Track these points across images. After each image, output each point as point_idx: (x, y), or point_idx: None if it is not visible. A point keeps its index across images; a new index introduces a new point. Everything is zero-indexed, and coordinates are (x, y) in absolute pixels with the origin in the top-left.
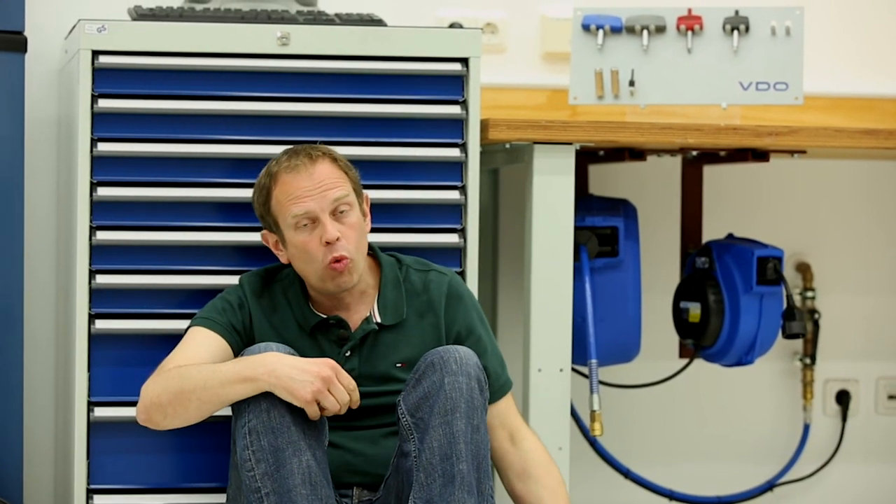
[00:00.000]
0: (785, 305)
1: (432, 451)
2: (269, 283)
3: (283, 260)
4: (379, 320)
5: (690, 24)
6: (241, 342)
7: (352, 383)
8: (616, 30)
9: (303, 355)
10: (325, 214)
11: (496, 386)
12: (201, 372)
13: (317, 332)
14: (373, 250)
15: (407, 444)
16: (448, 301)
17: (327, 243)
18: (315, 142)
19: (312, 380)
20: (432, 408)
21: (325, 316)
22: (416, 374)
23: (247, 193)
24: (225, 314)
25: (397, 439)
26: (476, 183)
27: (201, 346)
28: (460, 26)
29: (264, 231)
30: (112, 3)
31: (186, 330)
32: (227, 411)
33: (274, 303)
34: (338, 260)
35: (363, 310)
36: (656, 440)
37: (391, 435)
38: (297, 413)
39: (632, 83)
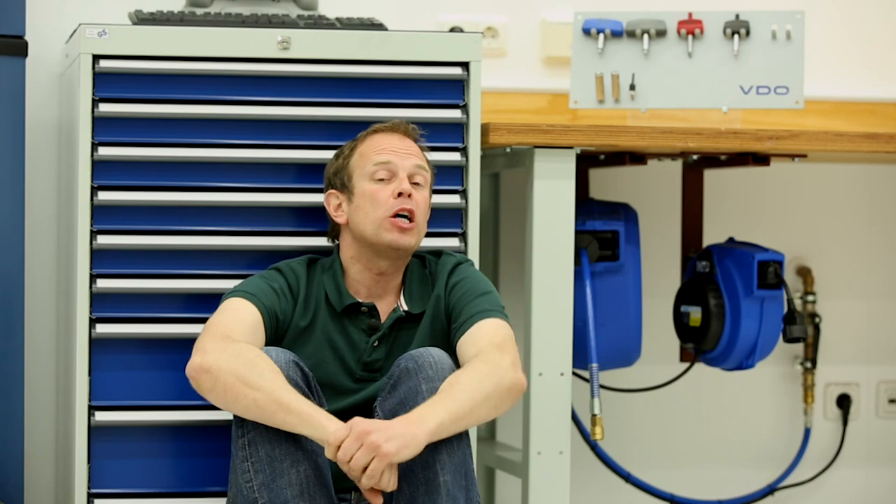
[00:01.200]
0: (786, 309)
1: (413, 459)
2: (308, 270)
3: (342, 221)
4: (406, 308)
5: (691, 28)
6: (275, 329)
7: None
8: (617, 34)
9: (330, 341)
10: (404, 173)
11: (463, 318)
12: (274, 380)
13: (346, 318)
14: None
15: None
16: (449, 277)
17: (399, 195)
18: (315, 146)
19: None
20: None
21: (359, 300)
22: (391, 380)
23: (248, 198)
24: (269, 298)
25: None
26: (477, 187)
27: (249, 321)
28: (461, 30)
29: (329, 192)
30: (113, 8)
31: (224, 297)
32: (227, 416)
33: (310, 289)
34: (405, 216)
35: (392, 302)
36: (657, 444)
37: None
38: None
39: (632, 87)
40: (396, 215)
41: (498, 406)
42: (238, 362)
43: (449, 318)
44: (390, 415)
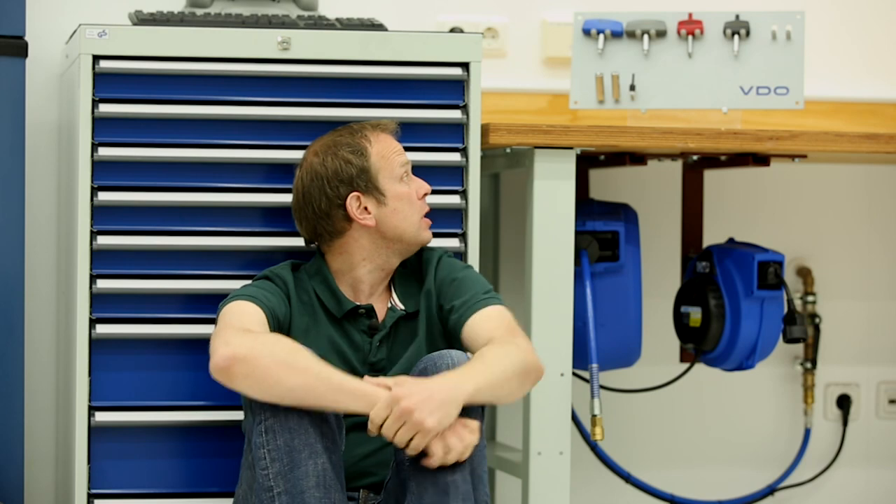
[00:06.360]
0: (786, 310)
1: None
2: (293, 274)
3: (370, 224)
4: (402, 307)
5: (691, 28)
6: (278, 330)
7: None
8: (617, 34)
9: (333, 345)
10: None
11: (461, 306)
12: (318, 362)
13: (345, 322)
14: None
15: (401, 452)
16: (436, 271)
17: (424, 195)
18: None
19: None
20: None
21: (357, 303)
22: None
23: (247, 198)
24: (268, 300)
25: None
26: (477, 187)
27: (257, 318)
28: (461, 31)
29: (351, 195)
30: (113, 8)
31: (222, 305)
32: (228, 416)
33: (301, 295)
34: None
35: (385, 300)
36: (657, 445)
37: None
38: (314, 415)
39: (632, 87)
40: (426, 214)
41: (523, 385)
42: (276, 348)
43: (440, 310)
44: None
